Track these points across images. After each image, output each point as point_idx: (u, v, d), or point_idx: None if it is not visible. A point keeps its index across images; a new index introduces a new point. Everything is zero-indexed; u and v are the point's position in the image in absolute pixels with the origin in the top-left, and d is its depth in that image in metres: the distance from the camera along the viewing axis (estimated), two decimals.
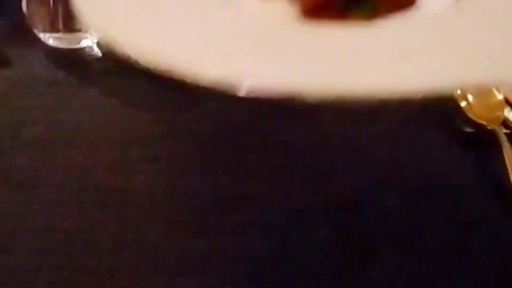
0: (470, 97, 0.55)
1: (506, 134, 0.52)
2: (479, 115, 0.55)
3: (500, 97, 0.56)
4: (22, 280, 0.38)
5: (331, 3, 0.41)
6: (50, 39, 0.65)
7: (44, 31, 0.65)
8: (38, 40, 0.66)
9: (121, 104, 0.57)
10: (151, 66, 0.33)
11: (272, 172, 0.47)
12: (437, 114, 0.54)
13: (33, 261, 0.39)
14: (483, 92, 0.57)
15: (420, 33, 0.38)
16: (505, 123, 0.54)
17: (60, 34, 0.65)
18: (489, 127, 0.53)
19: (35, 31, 0.66)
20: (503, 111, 0.55)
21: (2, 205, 0.44)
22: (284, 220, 0.43)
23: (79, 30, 0.65)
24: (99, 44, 0.67)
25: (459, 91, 0.56)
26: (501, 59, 0.35)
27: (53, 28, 0.64)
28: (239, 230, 0.42)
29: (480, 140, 0.53)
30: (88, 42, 0.66)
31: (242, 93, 0.33)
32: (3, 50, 0.66)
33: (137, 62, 0.34)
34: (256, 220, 0.43)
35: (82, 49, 0.66)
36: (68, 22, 0.64)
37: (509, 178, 0.47)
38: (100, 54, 0.66)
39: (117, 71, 0.60)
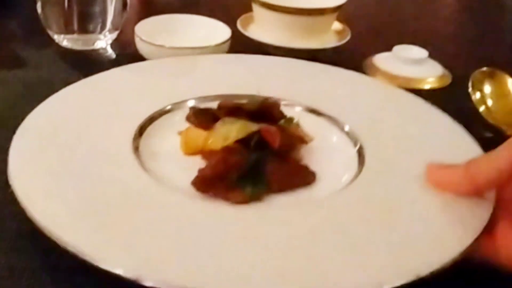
0: (489, 102, 0.55)
1: None
2: (498, 120, 0.54)
3: None
4: None
5: (225, 176, 0.40)
6: (64, 41, 0.65)
7: (59, 32, 0.65)
8: (52, 41, 0.66)
9: None
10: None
11: None
12: (455, 118, 0.52)
13: None
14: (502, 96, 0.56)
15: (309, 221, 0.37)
16: None
17: (74, 36, 0.65)
18: (508, 132, 0.52)
19: (50, 32, 0.66)
20: None
21: None
22: None
23: (93, 32, 0.65)
24: (113, 46, 0.67)
25: (477, 96, 0.55)
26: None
27: (67, 30, 0.64)
28: None
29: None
30: (102, 43, 0.66)
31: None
32: (17, 51, 0.66)
33: None
34: None
35: (96, 50, 0.66)
36: (82, 24, 0.64)
37: None
38: (114, 56, 0.66)
39: None
